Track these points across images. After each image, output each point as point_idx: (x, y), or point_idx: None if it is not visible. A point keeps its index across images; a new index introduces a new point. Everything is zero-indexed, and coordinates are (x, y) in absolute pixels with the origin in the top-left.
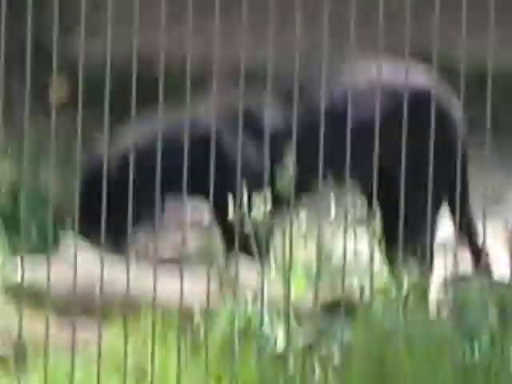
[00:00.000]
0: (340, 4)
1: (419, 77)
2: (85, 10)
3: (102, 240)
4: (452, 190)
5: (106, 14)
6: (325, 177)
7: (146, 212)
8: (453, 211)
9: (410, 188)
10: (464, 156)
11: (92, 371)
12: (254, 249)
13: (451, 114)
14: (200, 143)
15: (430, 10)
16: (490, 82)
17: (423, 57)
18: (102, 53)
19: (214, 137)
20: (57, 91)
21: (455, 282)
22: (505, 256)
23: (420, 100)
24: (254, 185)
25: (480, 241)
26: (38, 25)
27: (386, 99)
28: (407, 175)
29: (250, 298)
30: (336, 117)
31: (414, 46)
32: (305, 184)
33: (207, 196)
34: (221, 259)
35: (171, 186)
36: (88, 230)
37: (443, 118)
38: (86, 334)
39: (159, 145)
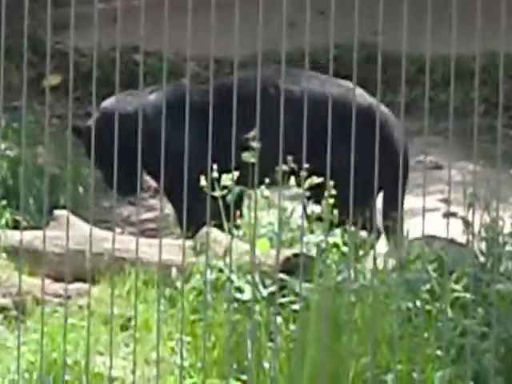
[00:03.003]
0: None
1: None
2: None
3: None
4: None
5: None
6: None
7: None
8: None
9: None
10: (405, 155)
11: (83, 320)
12: (223, 211)
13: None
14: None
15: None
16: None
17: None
18: (91, 44)
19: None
20: (50, 77)
21: (400, 240)
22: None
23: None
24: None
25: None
26: (34, 20)
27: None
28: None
29: (220, 254)
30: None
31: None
32: (268, 168)
33: None
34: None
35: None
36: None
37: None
38: (77, 287)
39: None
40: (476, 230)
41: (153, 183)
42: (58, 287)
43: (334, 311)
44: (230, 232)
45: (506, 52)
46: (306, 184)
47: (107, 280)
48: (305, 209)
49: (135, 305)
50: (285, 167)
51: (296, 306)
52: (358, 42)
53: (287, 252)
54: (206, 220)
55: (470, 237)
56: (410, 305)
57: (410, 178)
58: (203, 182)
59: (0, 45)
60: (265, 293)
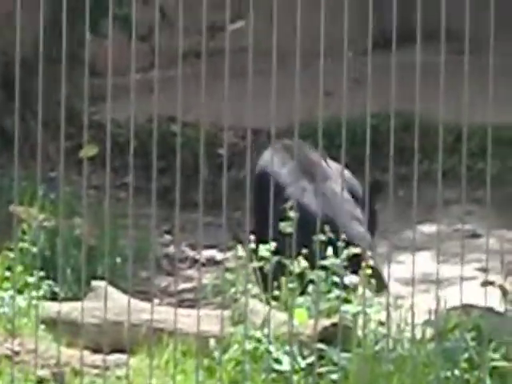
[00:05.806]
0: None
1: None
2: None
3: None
4: None
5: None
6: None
7: None
8: None
9: None
10: None
11: None
12: (260, 281)
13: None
14: None
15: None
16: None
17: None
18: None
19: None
20: (87, 148)
21: (438, 310)
22: None
23: None
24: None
25: None
26: (71, 90)
27: None
28: None
29: (258, 325)
30: None
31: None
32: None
33: None
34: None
35: None
36: None
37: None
38: (115, 358)
39: None
40: None
41: (190, 253)
42: (97, 358)
43: (373, 381)
44: (267, 302)
45: None
46: (344, 254)
47: (145, 351)
48: (342, 279)
49: (174, 375)
50: (322, 237)
51: (334, 376)
52: (394, 111)
53: (325, 322)
54: None
55: (508, 305)
56: (449, 374)
57: (447, 247)
58: (241, 252)
59: (38, 115)
60: (303, 363)
